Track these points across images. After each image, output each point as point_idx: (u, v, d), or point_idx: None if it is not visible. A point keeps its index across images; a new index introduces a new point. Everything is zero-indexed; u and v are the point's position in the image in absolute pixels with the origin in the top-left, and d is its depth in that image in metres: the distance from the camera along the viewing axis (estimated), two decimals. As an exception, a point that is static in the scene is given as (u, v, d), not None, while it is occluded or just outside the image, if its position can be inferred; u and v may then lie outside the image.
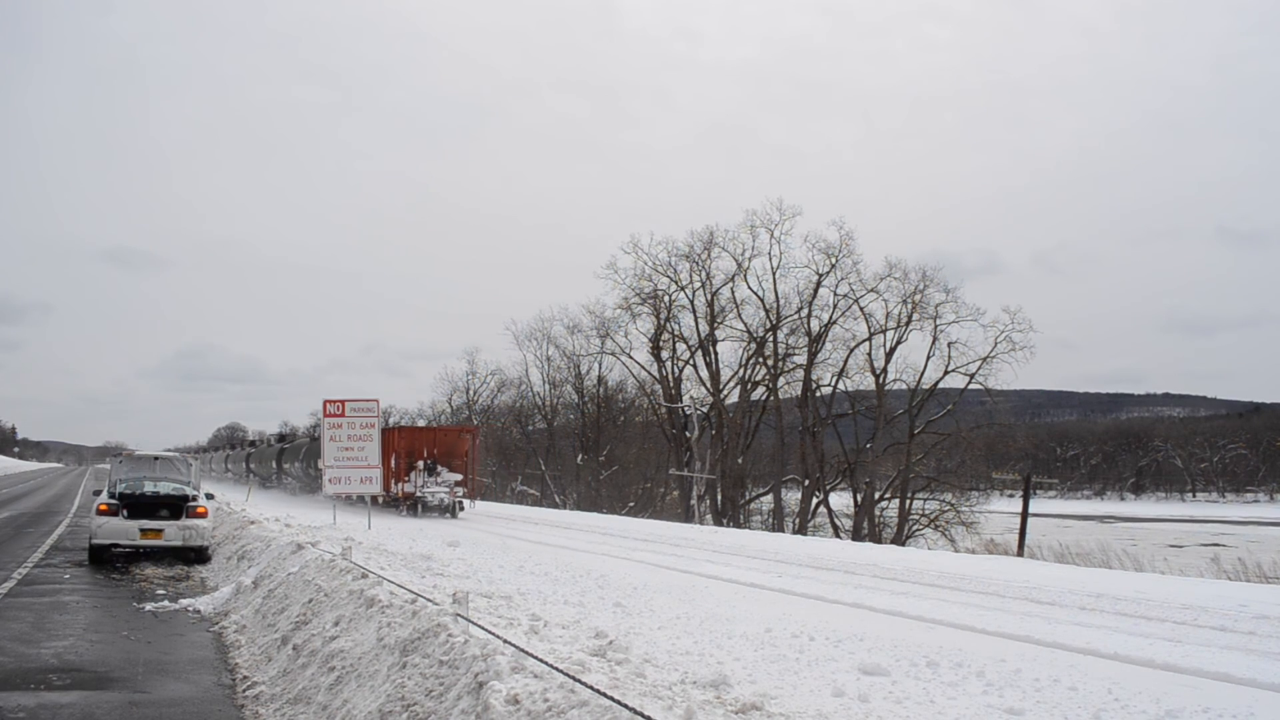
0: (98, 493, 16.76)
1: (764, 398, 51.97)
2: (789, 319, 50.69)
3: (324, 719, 6.33)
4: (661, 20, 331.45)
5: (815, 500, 48.94)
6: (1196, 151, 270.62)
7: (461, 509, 28.98)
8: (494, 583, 10.92)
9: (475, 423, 56.16)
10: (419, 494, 28.28)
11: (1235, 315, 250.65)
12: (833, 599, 11.43)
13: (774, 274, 50.45)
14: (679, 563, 15.61)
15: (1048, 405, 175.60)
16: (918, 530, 46.62)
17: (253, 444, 69.84)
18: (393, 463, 28.66)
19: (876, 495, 47.79)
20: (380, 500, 29.03)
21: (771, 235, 49.92)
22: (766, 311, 50.93)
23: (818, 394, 50.18)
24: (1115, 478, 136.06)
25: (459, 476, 29.03)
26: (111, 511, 15.44)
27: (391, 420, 61.00)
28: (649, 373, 55.53)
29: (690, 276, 52.28)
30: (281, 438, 56.09)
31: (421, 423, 63.95)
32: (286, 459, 44.03)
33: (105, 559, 15.64)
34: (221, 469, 67.10)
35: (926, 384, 48.22)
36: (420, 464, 28.88)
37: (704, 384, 53.24)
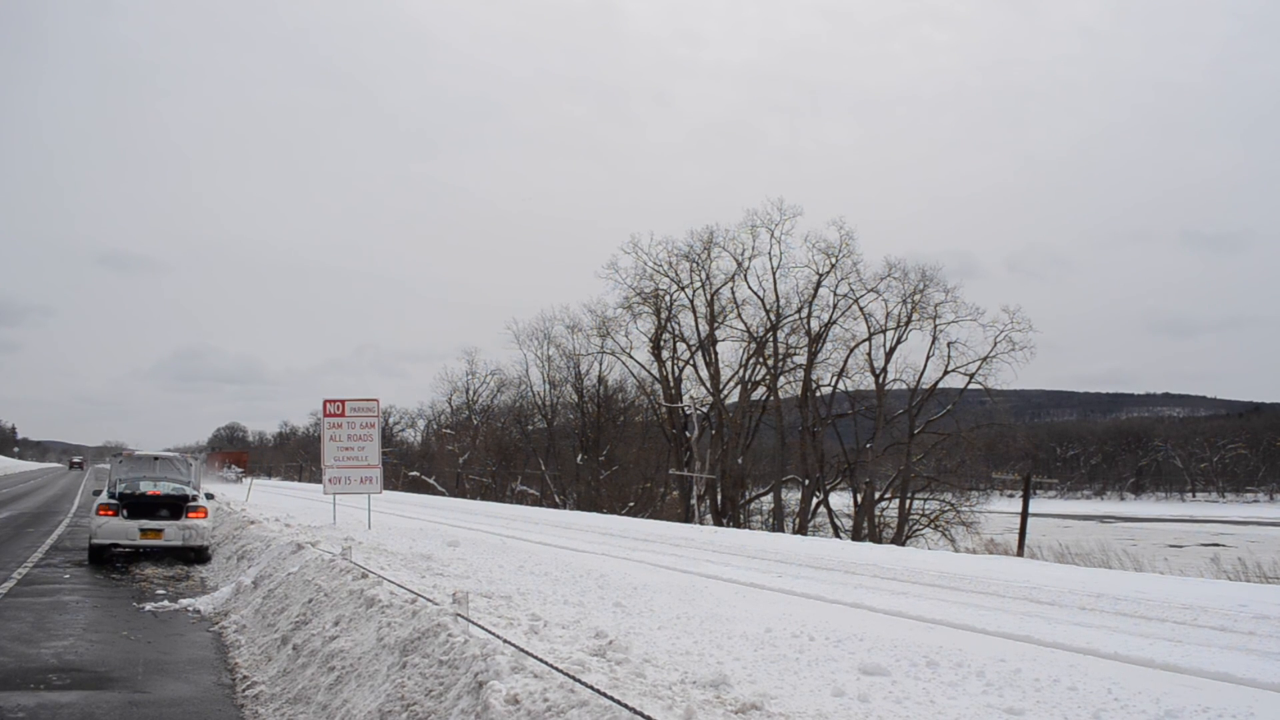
0: (98, 493, 16.75)
1: (764, 398, 51.94)
2: (789, 319, 50.75)
3: (324, 719, 6.33)
4: (663, 22, 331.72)
5: (815, 500, 48.93)
6: (1176, 155, 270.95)
7: (240, 482, 61.23)
8: (494, 583, 10.91)
9: (475, 423, 74.07)
10: (227, 477, 65.36)
11: (1217, 317, 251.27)
12: (833, 599, 11.43)
13: (774, 274, 50.54)
14: (679, 563, 15.60)
15: (1048, 405, 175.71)
16: (918, 530, 46.59)
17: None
18: (217, 464, 75.06)
19: (876, 495, 47.76)
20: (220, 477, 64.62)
21: (772, 235, 50.02)
22: (766, 311, 50.98)
23: (818, 394, 50.17)
24: (1115, 478, 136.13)
25: (241, 470, 74.40)
26: (111, 511, 15.43)
27: (391, 419, 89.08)
28: (649, 373, 55.64)
29: (690, 276, 52.39)
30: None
31: (419, 427, 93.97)
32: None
33: (105, 559, 15.64)
34: None
35: (926, 384, 48.27)
36: (228, 465, 75.92)
37: (704, 384, 53.24)
